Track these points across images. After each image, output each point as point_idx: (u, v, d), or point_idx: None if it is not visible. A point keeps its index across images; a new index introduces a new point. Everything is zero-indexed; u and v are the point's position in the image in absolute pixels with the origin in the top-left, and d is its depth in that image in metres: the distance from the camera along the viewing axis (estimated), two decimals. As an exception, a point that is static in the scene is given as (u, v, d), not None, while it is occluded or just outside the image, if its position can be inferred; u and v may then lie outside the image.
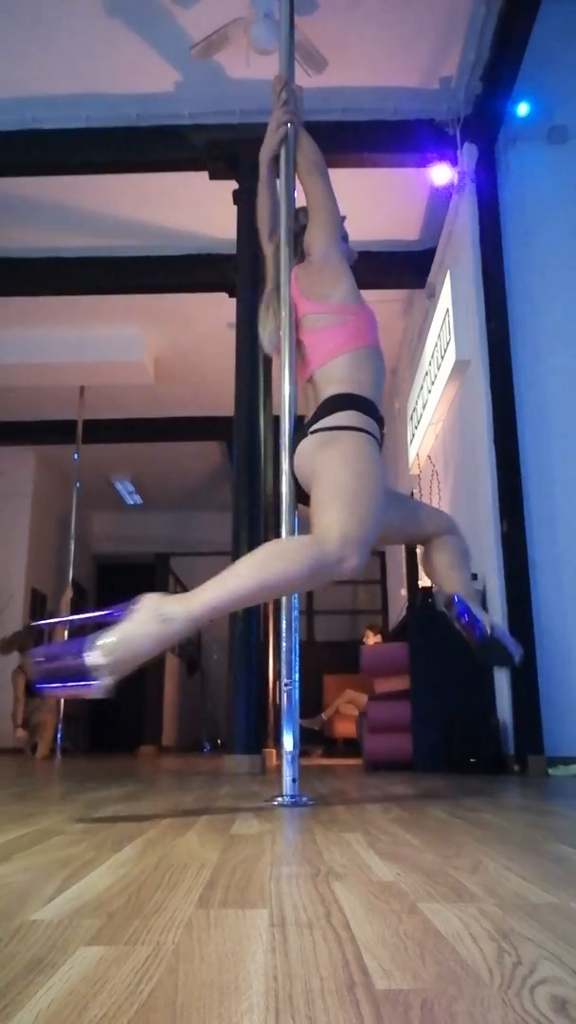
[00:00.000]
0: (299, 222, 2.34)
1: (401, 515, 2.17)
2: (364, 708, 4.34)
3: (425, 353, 5.14)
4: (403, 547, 6.73)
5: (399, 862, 1.01)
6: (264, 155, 2.45)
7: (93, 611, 1.78)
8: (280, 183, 2.51)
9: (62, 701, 6.19)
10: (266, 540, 4.54)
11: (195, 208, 4.93)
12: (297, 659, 2.13)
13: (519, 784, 2.69)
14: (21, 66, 4.08)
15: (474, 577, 3.86)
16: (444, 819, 1.51)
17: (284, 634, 2.14)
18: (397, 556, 7.26)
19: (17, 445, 8.23)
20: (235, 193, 4.39)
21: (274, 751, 4.71)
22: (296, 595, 2.15)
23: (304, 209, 2.33)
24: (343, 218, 2.29)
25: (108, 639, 1.53)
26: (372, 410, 2.01)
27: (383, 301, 5.90)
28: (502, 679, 3.56)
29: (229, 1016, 0.47)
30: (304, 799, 1.91)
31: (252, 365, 4.11)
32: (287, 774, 1.96)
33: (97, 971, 0.56)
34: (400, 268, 5.38)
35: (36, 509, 8.73)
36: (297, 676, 2.12)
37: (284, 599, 2.09)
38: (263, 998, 0.50)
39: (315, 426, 1.98)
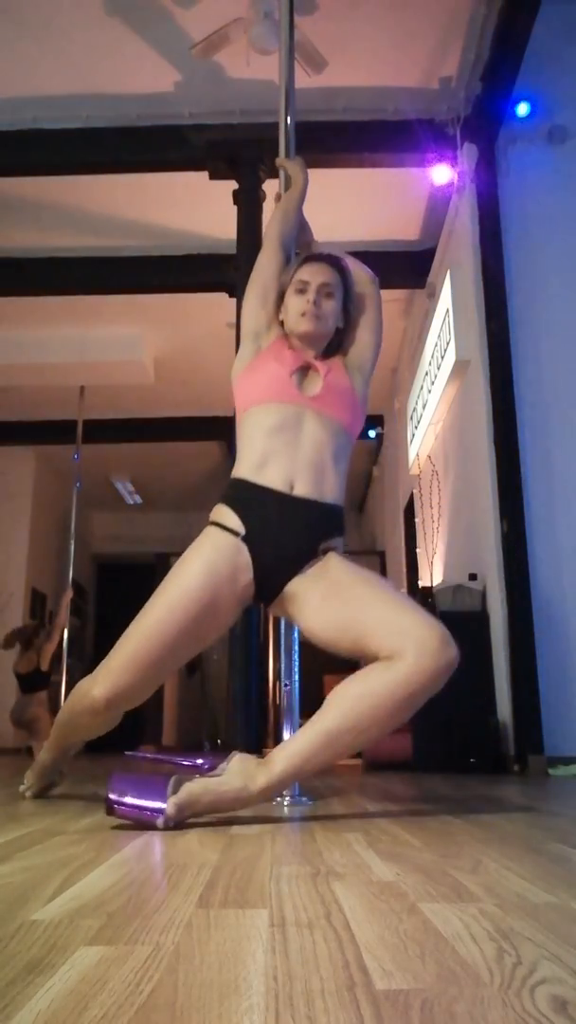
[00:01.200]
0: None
1: (343, 616, 1.58)
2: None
3: (425, 353, 5.14)
4: (403, 548, 6.76)
5: (399, 862, 1.01)
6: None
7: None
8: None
9: (62, 698, 6.21)
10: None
11: (195, 208, 4.92)
12: (297, 659, 2.13)
13: (519, 784, 2.69)
14: (21, 66, 4.08)
15: (473, 577, 3.89)
16: (444, 819, 1.51)
17: (284, 634, 2.15)
18: (397, 556, 7.26)
19: (17, 445, 8.23)
20: (235, 193, 4.39)
21: (274, 751, 4.71)
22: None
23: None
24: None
25: None
26: (237, 491, 1.74)
27: (383, 301, 5.90)
28: (502, 679, 3.56)
29: (229, 1016, 0.47)
30: (304, 799, 1.91)
31: (252, 365, 4.11)
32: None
33: (97, 971, 0.56)
34: (400, 268, 5.37)
35: (36, 509, 8.73)
36: (297, 676, 2.12)
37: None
38: (263, 998, 0.50)
39: None
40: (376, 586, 1.65)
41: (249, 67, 3.93)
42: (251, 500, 1.72)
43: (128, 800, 1.39)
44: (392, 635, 1.50)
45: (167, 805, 1.37)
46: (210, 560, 1.67)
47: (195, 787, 1.40)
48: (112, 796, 1.40)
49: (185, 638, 1.64)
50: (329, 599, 1.64)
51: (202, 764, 1.48)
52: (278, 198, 2.27)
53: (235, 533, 1.69)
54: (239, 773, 1.43)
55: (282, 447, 1.74)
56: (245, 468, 1.76)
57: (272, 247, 2.04)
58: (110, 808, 1.39)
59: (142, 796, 1.40)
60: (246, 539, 1.69)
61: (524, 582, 3.58)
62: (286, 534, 1.70)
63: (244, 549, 1.68)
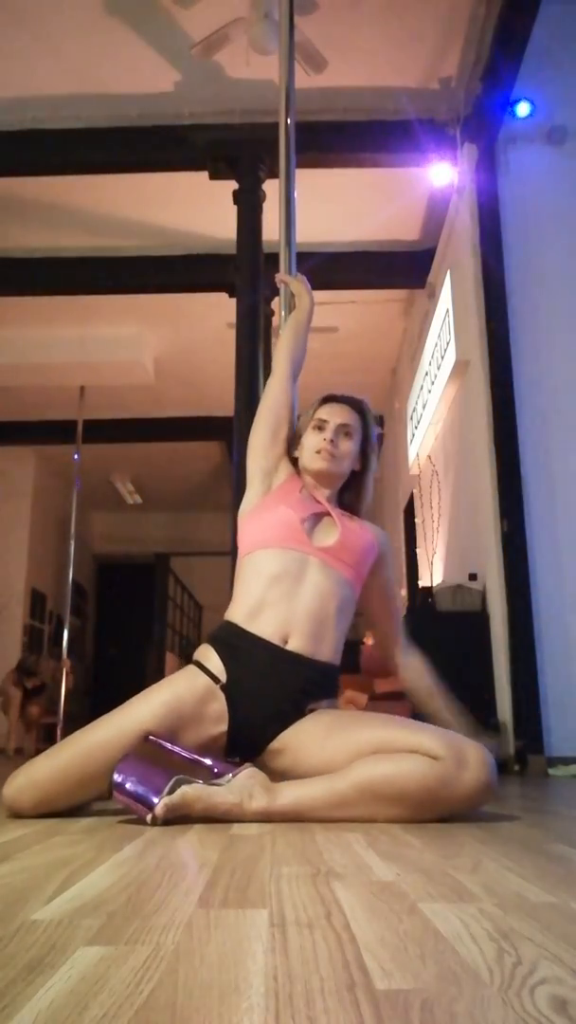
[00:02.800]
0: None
1: (361, 738, 1.51)
2: (364, 708, 4.33)
3: (425, 353, 5.14)
4: (403, 548, 6.75)
5: (399, 862, 1.01)
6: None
7: None
8: (280, 185, 2.51)
9: (63, 692, 6.26)
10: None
11: (195, 208, 4.92)
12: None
13: (519, 784, 2.69)
14: (21, 66, 4.08)
15: (473, 577, 3.89)
16: (444, 819, 1.51)
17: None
18: (397, 556, 7.26)
19: (17, 445, 8.23)
20: (235, 193, 4.39)
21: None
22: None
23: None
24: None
25: None
26: (225, 634, 1.69)
27: (383, 301, 5.91)
28: (502, 679, 3.56)
29: (229, 1016, 0.47)
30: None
31: (252, 365, 4.11)
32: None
33: (97, 971, 0.56)
34: (400, 268, 5.37)
35: (36, 509, 8.72)
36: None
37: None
38: (263, 998, 0.50)
39: None
40: (393, 716, 1.58)
41: (249, 67, 3.93)
42: (238, 647, 1.64)
43: (128, 786, 1.41)
44: (431, 738, 1.43)
45: (158, 804, 1.38)
46: (178, 700, 1.58)
47: (191, 792, 1.40)
48: (117, 778, 1.42)
49: None
50: (336, 731, 1.54)
51: (212, 766, 1.48)
52: (275, 331, 2.18)
53: (215, 679, 1.61)
54: (240, 789, 1.42)
55: (281, 597, 1.66)
56: (238, 612, 1.68)
57: (282, 376, 1.95)
58: (111, 789, 1.42)
59: (142, 787, 1.41)
60: (225, 688, 1.61)
61: (524, 582, 3.58)
62: (271, 689, 1.60)
63: (221, 698, 1.60)
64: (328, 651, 1.68)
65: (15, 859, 1.05)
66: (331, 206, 4.85)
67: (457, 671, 3.61)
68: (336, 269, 5.16)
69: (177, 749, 1.52)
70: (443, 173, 4.29)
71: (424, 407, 5.20)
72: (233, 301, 4.40)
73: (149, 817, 1.38)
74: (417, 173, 4.49)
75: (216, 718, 1.60)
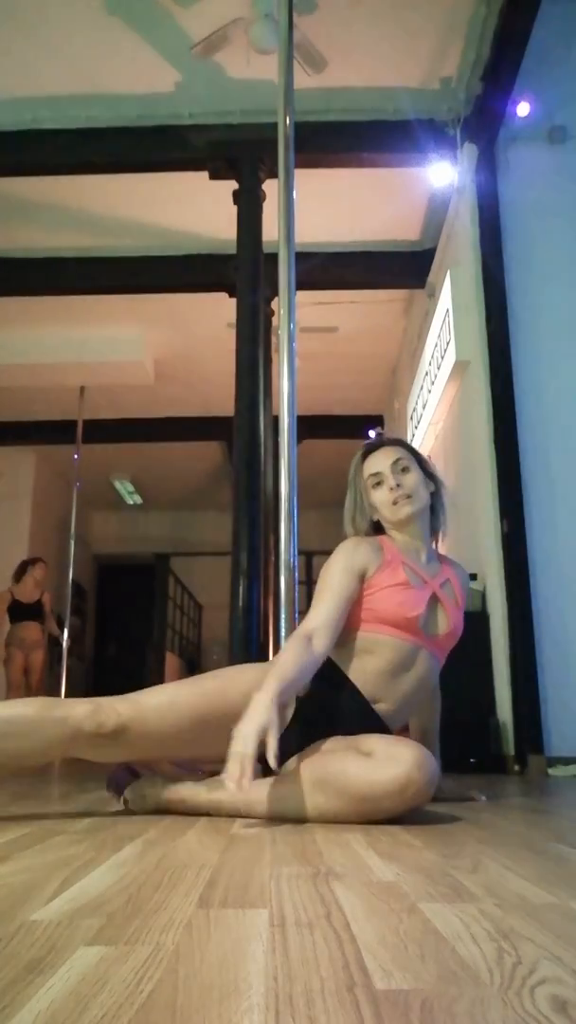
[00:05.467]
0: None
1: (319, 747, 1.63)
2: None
3: (425, 353, 5.14)
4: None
5: (399, 862, 1.01)
6: None
7: None
8: (279, 185, 2.51)
9: (63, 689, 6.20)
10: (265, 541, 4.46)
11: (195, 208, 4.92)
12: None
13: (519, 784, 2.69)
14: (21, 66, 4.08)
15: (473, 577, 3.88)
16: (444, 819, 1.51)
17: (284, 634, 2.15)
18: (397, 556, 7.25)
19: (17, 445, 8.23)
20: (235, 193, 4.39)
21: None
22: (296, 594, 2.15)
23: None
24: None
25: None
26: None
27: (383, 301, 5.90)
28: (502, 679, 3.56)
29: (229, 1016, 0.47)
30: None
31: (252, 365, 4.11)
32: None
33: (97, 971, 0.56)
34: (400, 268, 5.37)
35: (36, 509, 8.72)
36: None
37: (284, 596, 2.08)
38: (263, 998, 0.50)
39: None
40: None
41: (249, 67, 3.93)
42: (328, 677, 1.64)
43: (117, 780, 1.66)
44: (376, 739, 1.48)
45: (128, 790, 1.61)
46: (245, 696, 1.53)
47: (158, 780, 1.59)
48: (112, 777, 1.68)
49: (201, 727, 1.58)
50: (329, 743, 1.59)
51: (199, 770, 1.61)
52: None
53: None
54: (210, 782, 1.55)
55: (386, 676, 1.68)
56: (340, 652, 1.68)
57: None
58: (108, 787, 1.68)
59: (124, 779, 1.64)
60: (300, 699, 1.61)
61: (524, 582, 3.58)
62: (333, 724, 1.62)
63: (293, 705, 1.60)
64: (405, 718, 1.77)
65: (15, 859, 1.05)
66: (331, 206, 4.85)
67: (457, 671, 3.61)
68: (336, 269, 5.16)
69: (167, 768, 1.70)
70: (443, 173, 4.29)
71: (424, 407, 5.20)
72: (233, 301, 4.40)
73: (120, 800, 1.61)
74: (417, 173, 4.49)
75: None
